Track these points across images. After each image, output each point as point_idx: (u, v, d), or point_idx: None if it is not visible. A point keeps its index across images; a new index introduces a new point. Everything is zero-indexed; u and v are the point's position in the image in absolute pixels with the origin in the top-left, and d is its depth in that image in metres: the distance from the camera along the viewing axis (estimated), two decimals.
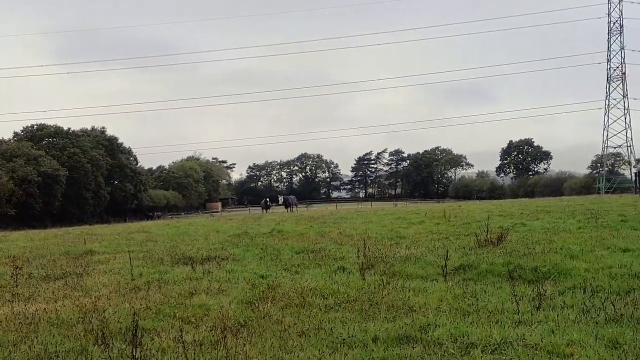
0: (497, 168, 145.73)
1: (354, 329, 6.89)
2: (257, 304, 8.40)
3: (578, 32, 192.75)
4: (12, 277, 11.29)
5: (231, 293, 9.39)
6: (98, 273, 12.24)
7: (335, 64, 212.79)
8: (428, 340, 6.41)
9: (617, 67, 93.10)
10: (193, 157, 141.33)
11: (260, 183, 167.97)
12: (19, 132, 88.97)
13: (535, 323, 6.93)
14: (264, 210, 61.44)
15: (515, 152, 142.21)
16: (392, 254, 12.87)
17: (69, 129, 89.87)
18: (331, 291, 9.14)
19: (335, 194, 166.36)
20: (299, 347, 6.39)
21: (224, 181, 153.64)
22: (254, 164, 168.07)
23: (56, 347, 6.63)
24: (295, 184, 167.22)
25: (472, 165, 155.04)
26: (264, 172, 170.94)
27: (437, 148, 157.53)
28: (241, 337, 6.68)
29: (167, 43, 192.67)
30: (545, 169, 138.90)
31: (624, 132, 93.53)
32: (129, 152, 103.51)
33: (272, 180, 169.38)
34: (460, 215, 25.66)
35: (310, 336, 6.77)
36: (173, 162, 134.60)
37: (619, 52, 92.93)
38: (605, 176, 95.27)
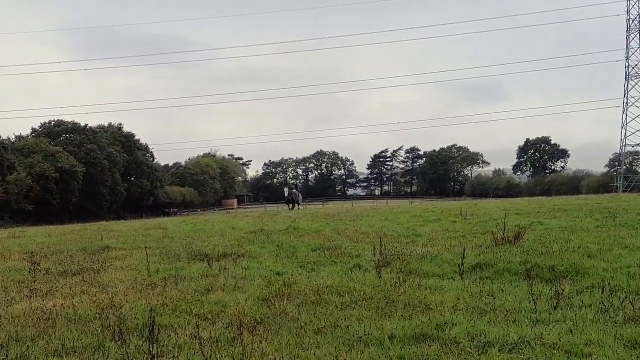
0: (513, 166, 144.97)
1: (370, 327, 6.88)
2: (273, 301, 8.42)
3: (596, 29, 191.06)
4: (30, 272, 11.42)
5: (247, 290, 9.41)
6: (115, 269, 12.30)
7: (348, 61, 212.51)
8: (445, 339, 6.38)
9: (636, 65, 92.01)
10: (209, 153, 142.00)
11: (275, 180, 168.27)
12: (37, 128, 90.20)
13: (553, 322, 6.87)
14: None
15: (532, 150, 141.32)
16: (408, 252, 12.83)
17: (86, 125, 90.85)
18: (347, 289, 9.13)
19: (350, 192, 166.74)
20: (315, 344, 6.39)
21: (239, 178, 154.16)
22: (269, 160, 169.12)
23: (73, 342, 6.70)
24: (311, 181, 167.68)
25: (489, 163, 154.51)
26: (279, 169, 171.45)
27: (453, 146, 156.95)
28: (257, 334, 6.70)
29: (181, 40, 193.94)
30: (563, 167, 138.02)
31: None
32: (145, 148, 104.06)
33: (288, 177, 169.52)
34: (477, 213, 25.47)
35: (326, 333, 6.77)
36: (189, 159, 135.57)
37: (638, 50, 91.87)
38: (623, 174, 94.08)
